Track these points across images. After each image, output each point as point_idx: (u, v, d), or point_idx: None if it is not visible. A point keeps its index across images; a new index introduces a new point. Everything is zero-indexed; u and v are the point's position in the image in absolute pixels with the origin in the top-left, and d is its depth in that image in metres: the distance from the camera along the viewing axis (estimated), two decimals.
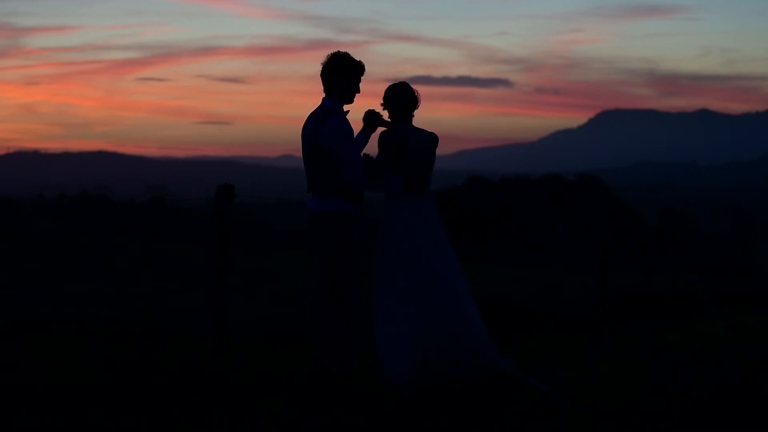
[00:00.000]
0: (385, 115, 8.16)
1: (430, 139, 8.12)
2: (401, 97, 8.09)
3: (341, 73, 7.87)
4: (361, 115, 8.15)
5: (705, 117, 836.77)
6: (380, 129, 8.19)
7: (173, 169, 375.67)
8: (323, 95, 8.03)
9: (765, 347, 10.34)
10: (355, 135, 8.00)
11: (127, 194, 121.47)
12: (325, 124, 7.78)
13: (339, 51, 7.90)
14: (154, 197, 74.57)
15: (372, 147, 8.21)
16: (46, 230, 42.78)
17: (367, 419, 7.19)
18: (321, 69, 7.93)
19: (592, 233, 13.94)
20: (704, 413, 7.53)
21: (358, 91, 8.01)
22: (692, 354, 10.14)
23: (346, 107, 7.98)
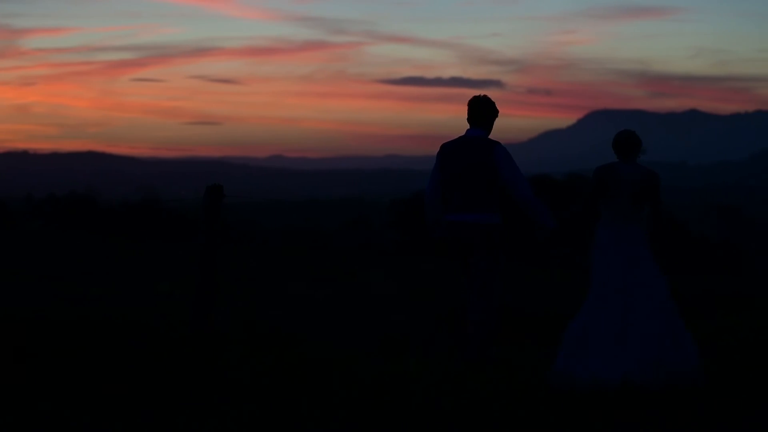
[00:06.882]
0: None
1: (641, 174, 9.14)
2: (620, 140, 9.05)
3: (490, 112, 9.31)
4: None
5: (695, 117, 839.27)
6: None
7: (163, 170, 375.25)
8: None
9: (750, 347, 10.39)
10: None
11: (117, 194, 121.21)
12: (495, 149, 9.19)
13: (484, 95, 9.31)
14: (144, 197, 74.48)
15: None
16: (35, 230, 42.67)
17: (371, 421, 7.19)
18: (472, 106, 9.28)
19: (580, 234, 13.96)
20: (696, 410, 7.57)
21: None
22: None
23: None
